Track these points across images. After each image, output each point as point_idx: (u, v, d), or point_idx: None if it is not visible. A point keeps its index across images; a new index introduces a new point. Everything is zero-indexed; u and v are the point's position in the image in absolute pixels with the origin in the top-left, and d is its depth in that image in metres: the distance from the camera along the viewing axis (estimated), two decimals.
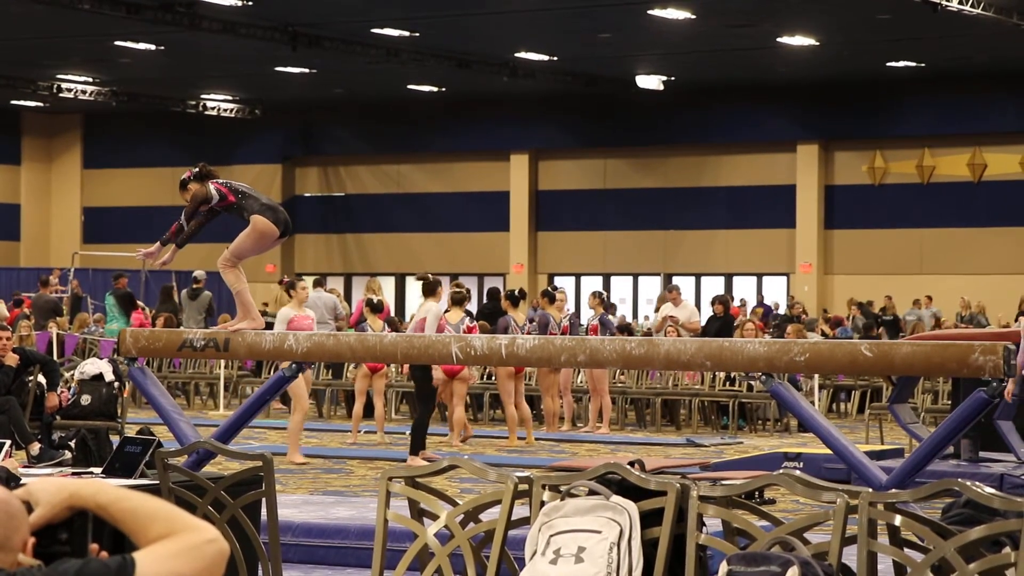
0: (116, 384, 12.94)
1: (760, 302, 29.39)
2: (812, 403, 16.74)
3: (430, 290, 14.43)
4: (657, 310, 22.26)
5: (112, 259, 30.97)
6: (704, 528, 5.79)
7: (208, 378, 21.00)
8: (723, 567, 5.32)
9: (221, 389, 20.33)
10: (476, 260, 33.61)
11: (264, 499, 6.65)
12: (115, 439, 10.96)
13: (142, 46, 27.00)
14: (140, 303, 22.47)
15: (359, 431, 16.46)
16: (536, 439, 16.34)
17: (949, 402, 15.10)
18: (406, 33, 25.69)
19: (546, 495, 5.93)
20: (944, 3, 21.71)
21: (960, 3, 21.89)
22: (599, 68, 29.10)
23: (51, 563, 2.56)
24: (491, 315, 19.60)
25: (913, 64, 28.16)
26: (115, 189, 37.24)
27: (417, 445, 13.63)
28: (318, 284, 21.13)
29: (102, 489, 2.63)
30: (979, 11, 22.18)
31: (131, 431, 9.90)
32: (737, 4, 23.30)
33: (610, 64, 28.67)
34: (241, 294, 8.47)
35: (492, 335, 11.28)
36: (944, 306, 27.96)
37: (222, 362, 20.02)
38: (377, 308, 16.95)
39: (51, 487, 2.63)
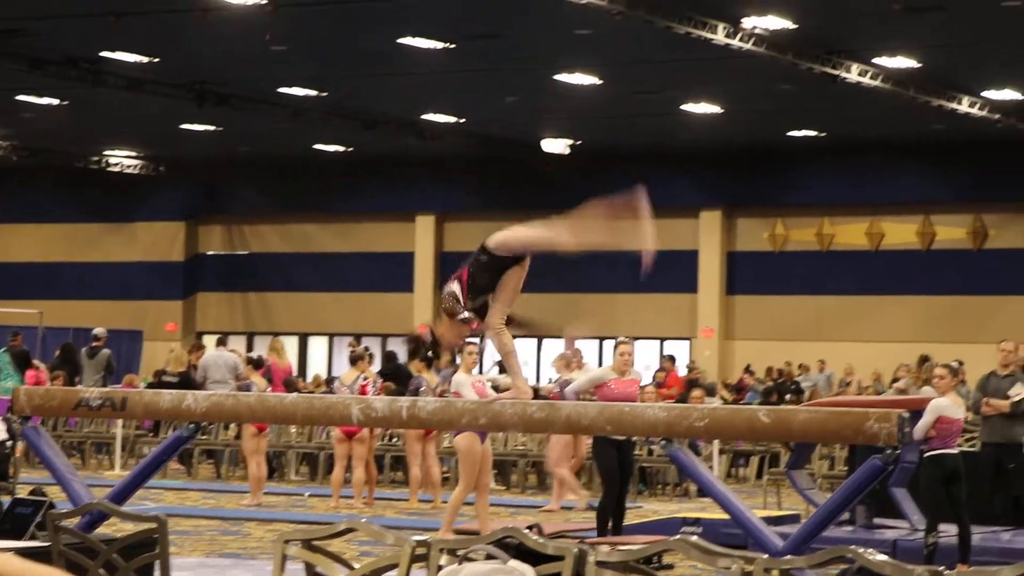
0: (9, 443, 12.73)
1: (662, 367, 29.53)
2: (711, 468, 16.83)
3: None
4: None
5: (11, 315, 30.48)
6: None
7: (104, 438, 20.70)
8: None
9: (118, 449, 20.06)
10: (380, 320, 33.51)
11: (158, 561, 6.57)
12: (6, 500, 10.77)
13: (45, 101, 26.74)
14: (36, 361, 22.12)
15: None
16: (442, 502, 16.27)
17: (846, 468, 15.26)
18: (313, 93, 25.68)
19: (444, 559, 5.91)
20: (843, 75, 22.12)
21: (859, 75, 22.32)
22: (505, 131, 29.26)
23: None
24: (394, 376, 19.59)
25: (813, 133, 28.62)
26: (16, 244, 36.74)
27: (601, 527, 12.65)
28: (220, 343, 20.99)
29: (7, 564, 2.59)
30: (877, 83, 22.62)
31: (24, 492, 9.73)
32: (643, 71, 23.56)
33: (516, 128, 28.84)
34: (512, 355, 7.37)
35: (393, 397, 11.24)
36: (840, 373, 28.29)
37: (120, 422, 19.77)
38: (258, 364, 16.84)
39: None
